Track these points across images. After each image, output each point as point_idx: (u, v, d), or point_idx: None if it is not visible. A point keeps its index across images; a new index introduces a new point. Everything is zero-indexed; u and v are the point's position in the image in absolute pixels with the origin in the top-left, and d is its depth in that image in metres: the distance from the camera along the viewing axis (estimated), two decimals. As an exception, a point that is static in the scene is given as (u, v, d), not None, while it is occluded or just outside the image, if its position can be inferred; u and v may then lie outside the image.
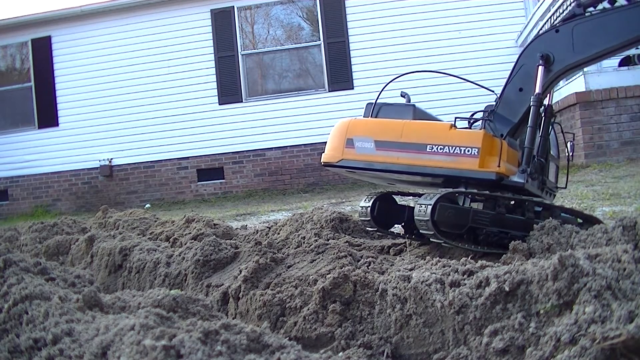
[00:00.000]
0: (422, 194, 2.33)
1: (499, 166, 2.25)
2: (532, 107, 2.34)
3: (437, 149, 2.32)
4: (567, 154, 2.70)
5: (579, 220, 2.46)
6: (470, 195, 2.30)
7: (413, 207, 2.51)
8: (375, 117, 2.54)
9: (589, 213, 2.73)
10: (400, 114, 2.50)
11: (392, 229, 2.82)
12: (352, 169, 2.51)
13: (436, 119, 2.55)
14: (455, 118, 2.41)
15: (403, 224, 2.74)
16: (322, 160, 2.58)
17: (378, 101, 2.57)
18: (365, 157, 2.45)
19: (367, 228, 2.77)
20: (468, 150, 2.28)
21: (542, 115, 2.42)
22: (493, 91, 2.57)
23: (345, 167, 2.51)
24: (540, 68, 2.35)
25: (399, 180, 2.68)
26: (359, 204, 2.77)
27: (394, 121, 2.48)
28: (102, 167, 10.28)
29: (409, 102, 2.57)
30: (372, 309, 1.66)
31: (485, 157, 2.26)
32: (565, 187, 2.68)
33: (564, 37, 2.36)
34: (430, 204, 2.15)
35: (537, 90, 2.34)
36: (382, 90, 2.61)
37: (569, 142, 2.72)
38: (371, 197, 2.69)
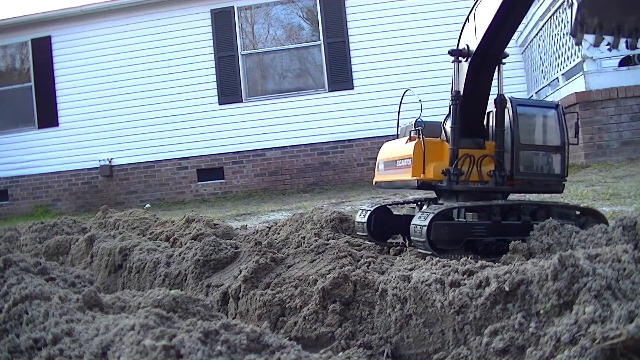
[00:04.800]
0: (415, 202, 2.39)
1: (423, 172, 2.38)
2: (451, 106, 2.35)
3: (399, 163, 2.55)
4: (569, 138, 2.47)
5: (577, 212, 2.41)
6: (463, 208, 2.29)
7: (409, 216, 2.54)
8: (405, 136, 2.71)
9: (585, 205, 2.69)
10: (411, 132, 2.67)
11: (391, 239, 2.80)
12: (381, 188, 2.78)
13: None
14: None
15: (401, 234, 2.73)
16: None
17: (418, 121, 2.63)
18: (381, 177, 2.72)
19: (366, 242, 2.72)
20: (406, 161, 2.48)
21: (494, 107, 2.39)
22: (420, 100, 2.53)
23: (379, 188, 2.79)
24: (454, 65, 2.35)
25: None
26: (356, 219, 2.76)
27: (394, 142, 2.67)
28: (102, 167, 10.28)
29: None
30: (372, 309, 1.66)
31: (415, 165, 2.41)
32: (567, 175, 2.48)
33: (471, 24, 2.33)
34: (425, 225, 2.12)
35: (455, 87, 2.35)
36: (400, 109, 2.72)
37: (573, 123, 2.61)
38: (366, 212, 2.68)
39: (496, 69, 2.39)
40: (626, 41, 1.92)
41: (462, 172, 2.36)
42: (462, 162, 2.36)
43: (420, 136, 2.40)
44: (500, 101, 2.38)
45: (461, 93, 2.35)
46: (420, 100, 2.51)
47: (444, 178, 2.34)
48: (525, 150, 2.37)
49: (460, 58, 2.36)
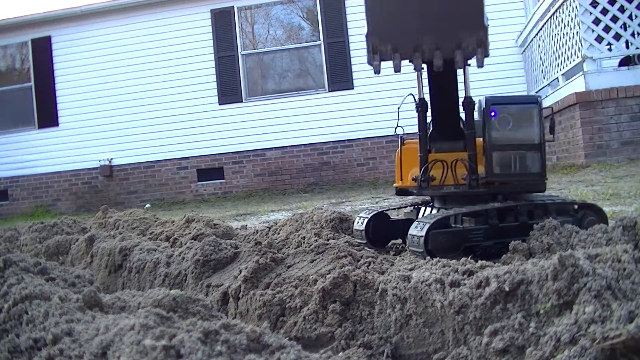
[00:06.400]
0: (412, 205, 2.37)
1: (401, 179, 2.46)
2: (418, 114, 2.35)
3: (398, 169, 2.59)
4: (544, 135, 2.31)
5: (575, 207, 2.40)
6: (461, 215, 2.27)
7: (407, 220, 2.54)
8: None
9: (582, 200, 2.68)
10: None
11: (391, 243, 2.78)
12: None
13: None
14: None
15: (400, 238, 2.72)
16: None
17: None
18: (398, 184, 2.71)
19: (366, 248, 2.67)
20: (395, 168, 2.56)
21: (463, 109, 2.35)
22: (399, 107, 2.51)
23: None
24: (416, 73, 2.30)
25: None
26: (354, 227, 2.74)
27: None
28: (102, 167, 10.29)
29: None
30: (372, 309, 1.66)
31: (396, 172, 2.50)
32: (544, 175, 2.34)
33: None
34: (421, 236, 2.10)
35: (418, 95, 2.34)
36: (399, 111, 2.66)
37: (549, 118, 2.51)
38: (363, 219, 2.64)
39: (462, 72, 2.34)
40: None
41: (434, 178, 2.34)
42: (432, 168, 2.34)
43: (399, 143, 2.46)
44: (467, 103, 2.33)
45: (425, 100, 2.35)
46: (399, 108, 2.51)
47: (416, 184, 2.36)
48: (498, 151, 2.29)
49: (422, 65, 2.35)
